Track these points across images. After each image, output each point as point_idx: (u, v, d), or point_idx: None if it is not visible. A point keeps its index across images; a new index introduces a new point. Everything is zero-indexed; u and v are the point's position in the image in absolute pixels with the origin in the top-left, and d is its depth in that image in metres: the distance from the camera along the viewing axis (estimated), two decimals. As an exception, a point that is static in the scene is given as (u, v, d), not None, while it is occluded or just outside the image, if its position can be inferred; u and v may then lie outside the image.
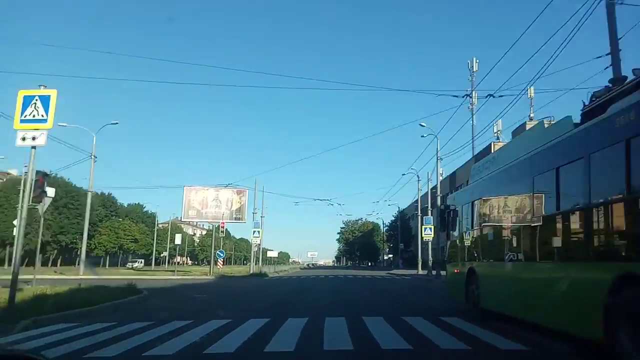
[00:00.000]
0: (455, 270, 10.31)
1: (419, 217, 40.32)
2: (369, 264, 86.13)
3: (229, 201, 38.87)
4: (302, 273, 46.74)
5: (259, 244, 39.74)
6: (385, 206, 77.79)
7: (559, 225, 6.05)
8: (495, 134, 39.33)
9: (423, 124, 32.47)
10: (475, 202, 9.25)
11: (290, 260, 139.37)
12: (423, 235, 32.43)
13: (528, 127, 30.23)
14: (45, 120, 8.51)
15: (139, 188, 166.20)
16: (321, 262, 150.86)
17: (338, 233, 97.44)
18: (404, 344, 5.79)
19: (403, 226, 57.92)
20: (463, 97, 23.33)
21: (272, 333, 6.71)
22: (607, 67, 11.22)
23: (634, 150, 4.52)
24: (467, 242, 9.81)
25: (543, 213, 6.50)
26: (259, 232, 35.80)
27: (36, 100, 8.52)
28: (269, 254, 65.95)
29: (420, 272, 35.98)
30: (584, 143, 5.46)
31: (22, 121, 8.50)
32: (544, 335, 6.29)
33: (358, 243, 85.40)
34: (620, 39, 11.09)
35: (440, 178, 34.36)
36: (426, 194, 37.78)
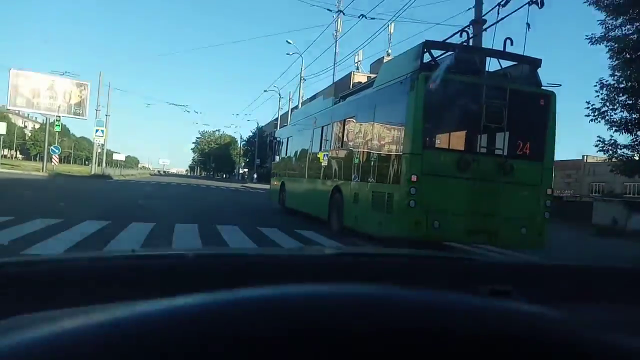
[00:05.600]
0: (275, 183, 15.48)
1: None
2: (224, 176, 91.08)
3: (67, 93, 36.42)
4: (151, 179, 47.37)
5: (103, 144, 38.79)
6: (244, 120, 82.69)
7: (318, 160, 11.39)
8: (356, 64, 45.00)
9: (290, 40, 35.50)
10: (290, 138, 14.21)
11: (140, 166, 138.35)
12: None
13: (385, 59, 36.59)
14: None
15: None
16: (173, 170, 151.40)
17: (193, 143, 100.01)
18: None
19: (261, 143, 63.17)
20: (337, 12, 26.43)
21: (110, 236, 6.63)
22: (469, 8, 11.64)
23: (347, 125, 9.78)
24: (283, 165, 14.85)
25: (312, 152, 11.67)
26: (102, 131, 34.88)
27: None
28: (115, 156, 66.33)
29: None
30: (331, 114, 10.68)
31: None
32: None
33: (214, 155, 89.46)
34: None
35: (302, 99, 37.22)
36: (286, 113, 41.87)
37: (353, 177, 9.03)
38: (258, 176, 57.45)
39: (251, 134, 68.28)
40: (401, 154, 7.22)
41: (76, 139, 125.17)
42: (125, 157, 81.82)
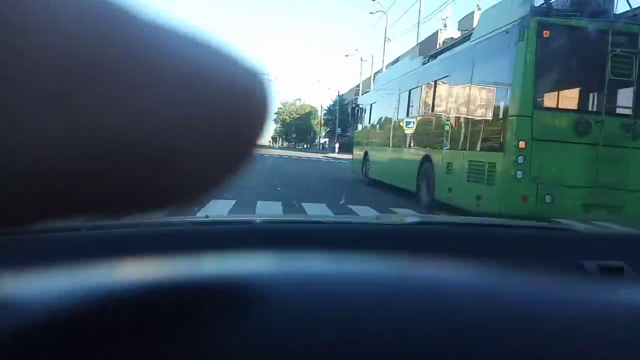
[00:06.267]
0: (357, 152, 14.77)
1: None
2: (305, 146, 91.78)
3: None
4: None
5: None
6: (325, 88, 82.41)
7: (405, 126, 10.49)
8: (443, 21, 42.50)
9: None
10: (373, 104, 13.36)
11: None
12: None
13: (476, 16, 34.14)
14: None
15: None
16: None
17: (275, 113, 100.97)
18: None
19: (341, 111, 62.59)
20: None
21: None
22: None
23: (438, 89, 8.82)
24: (366, 133, 14.06)
25: (398, 118, 10.73)
26: None
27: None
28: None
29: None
30: (419, 76, 9.70)
31: None
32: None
33: (295, 125, 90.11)
34: None
35: (386, 62, 34.13)
36: (369, 78, 40.63)
37: (445, 144, 8.13)
38: (339, 146, 57.12)
39: (332, 103, 67.87)
40: (507, 116, 6.23)
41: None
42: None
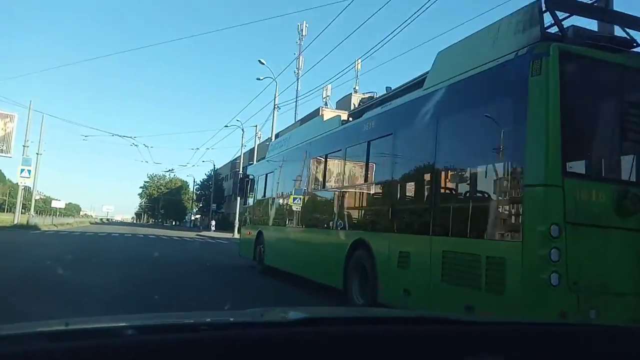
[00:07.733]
0: (248, 233, 11.91)
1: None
2: (174, 223, 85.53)
3: (-13, 126, 30.57)
4: (90, 228, 41.05)
5: (30, 187, 34.34)
6: (200, 160, 78.65)
7: (323, 200, 8.04)
8: (324, 99, 42.51)
9: (262, 60, 29.13)
10: (268, 174, 10.70)
11: (82, 214, 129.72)
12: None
13: (353, 97, 34.22)
14: None
15: None
16: (118, 218, 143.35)
17: (141, 187, 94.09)
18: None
19: (216, 187, 59.28)
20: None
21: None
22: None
23: (372, 148, 6.56)
24: (259, 209, 11.26)
25: (312, 189, 8.22)
26: (29, 171, 29.34)
27: None
28: (54, 203, 61.05)
29: (237, 236, 34.01)
30: (343, 138, 7.44)
31: None
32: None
33: (163, 200, 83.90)
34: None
35: (274, 131, 30.72)
36: (252, 150, 37.84)
37: (396, 224, 5.76)
38: (216, 223, 53.11)
39: (205, 177, 64.48)
40: (520, 185, 4.01)
41: (12, 185, 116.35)
42: (66, 204, 75.76)
